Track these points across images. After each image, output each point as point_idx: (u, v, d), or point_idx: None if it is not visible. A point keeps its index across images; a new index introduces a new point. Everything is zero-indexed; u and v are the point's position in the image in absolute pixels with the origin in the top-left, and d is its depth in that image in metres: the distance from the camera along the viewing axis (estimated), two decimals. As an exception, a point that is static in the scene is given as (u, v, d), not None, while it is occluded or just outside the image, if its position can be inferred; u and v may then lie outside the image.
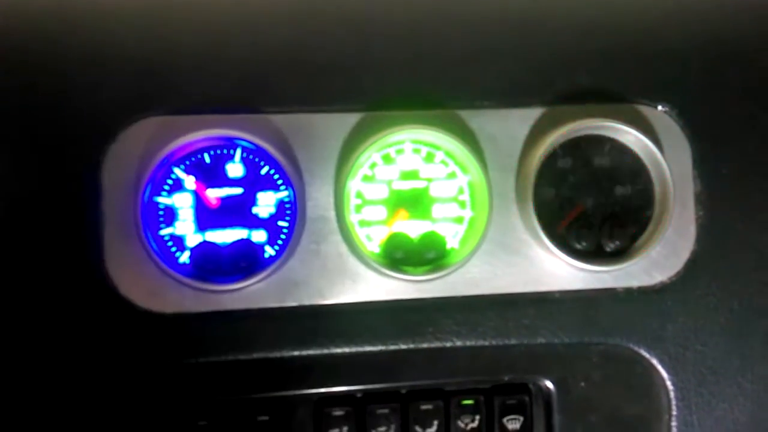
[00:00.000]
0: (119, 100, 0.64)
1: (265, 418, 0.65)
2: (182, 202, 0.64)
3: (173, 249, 0.64)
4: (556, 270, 0.68)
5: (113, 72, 0.64)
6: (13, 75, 0.63)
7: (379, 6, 0.69)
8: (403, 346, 0.66)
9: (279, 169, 0.65)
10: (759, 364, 0.70)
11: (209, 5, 0.67)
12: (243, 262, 0.64)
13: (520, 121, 0.69)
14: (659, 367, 0.69)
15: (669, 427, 0.69)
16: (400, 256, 0.66)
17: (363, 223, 0.68)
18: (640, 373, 0.69)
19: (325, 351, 0.65)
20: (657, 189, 0.69)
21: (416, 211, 0.68)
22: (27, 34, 0.64)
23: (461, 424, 0.67)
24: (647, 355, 0.69)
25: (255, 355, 0.64)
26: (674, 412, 0.69)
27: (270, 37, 0.67)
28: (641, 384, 0.69)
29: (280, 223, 0.66)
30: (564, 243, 0.68)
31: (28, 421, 0.62)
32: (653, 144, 0.67)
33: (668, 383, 0.69)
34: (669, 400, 0.69)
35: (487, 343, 0.67)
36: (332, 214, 0.66)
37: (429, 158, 0.68)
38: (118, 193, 0.62)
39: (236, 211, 0.65)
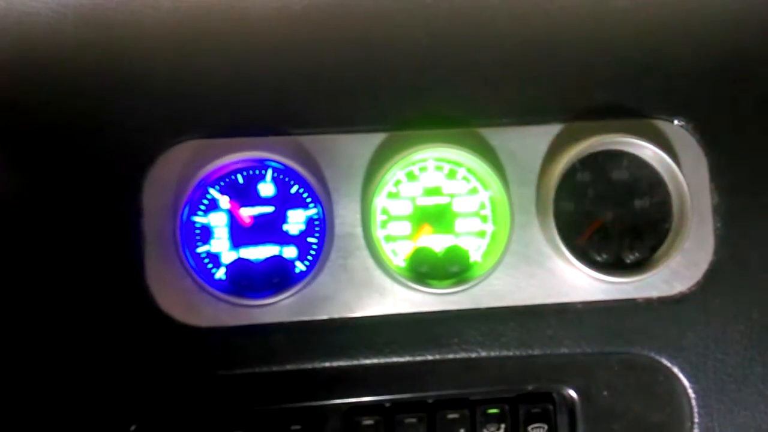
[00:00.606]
0: (157, 126, 0.67)
1: (298, 427, 0.67)
2: (217, 221, 0.68)
3: (209, 266, 0.67)
4: (578, 281, 0.70)
5: (151, 100, 0.67)
6: (58, 104, 0.67)
7: (402, 30, 0.72)
8: (430, 357, 0.68)
9: (308, 188, 0.68)
10: (780, 372, 0.71)
11: (240, 35, 0.70)
12: (275, 277, 0.66)
13: (539, 137, 0.71)
14: (680, 376, 0.70)
15: (691, 435, 0.70)
16: (425, 270, 0.68)
17: (389, 239, 0.70)
18: (662, 381, 0.70)
19: (355, 362, 0.67)
20: (675, 201, 0.70)
21: (440, 226, 0.70)
22: (70, 65, 0.68)
23: (486, 433, 0.69)
24: (668, 364, 0.70)
25: (287, 367, 0.67)
26: (696, 420, 0.70)
27: (297, 63, 0.70)
28: (663, 392, 0.70)
29: (310, 240, 0.68)
30: (584, 255, 0.69)
31: (70, 429, 0.65)
32: (670, 158, 0.69)
33: (689, 391, 0.70)
34: (690, 408, 0.70)
35: (511, 354, 0.69)
36: (359, 230, 0.68)
37: (451, 175, 0.71)
38: (158, 213, 0.66)
39: (268, 229, 0.68)
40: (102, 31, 0.69)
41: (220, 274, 0.67)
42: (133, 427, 0.65)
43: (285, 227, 0.68)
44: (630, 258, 0.69)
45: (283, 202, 0.68)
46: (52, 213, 0.66)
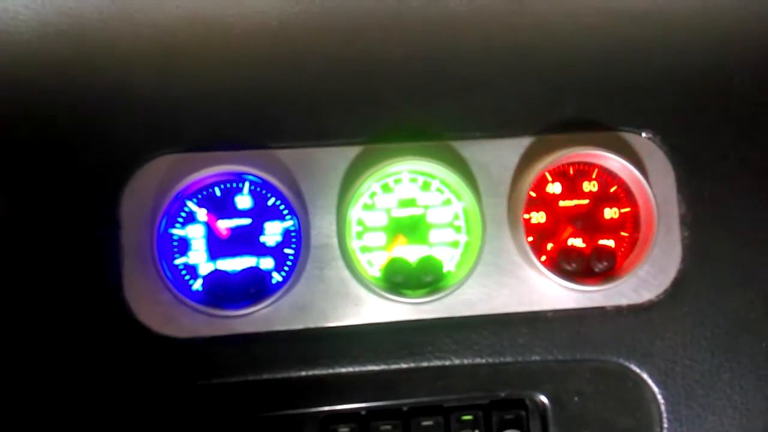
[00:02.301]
0: (136, 140, 0.68)
1: None
2: (195, 233, 0.69)
3: (187, 277, 0.68)
4: (548, 290, 0.71)
5: (130, 115, 0.69)
6: (38, 119, 0.68)
7: (377, 45, 0.74)
8: (404, 365, 0.69)
9: (284, 200, 0.69)
10: (746, 377, 0.73)
11: (217, 50, 0.71)
12: (252, 288, 0.67)
13: (510, 150, 0.73)
14: (649, 382, 0.71)
15: (660, 440, 0.72)
16: (400, 280, 0.70)
17: (364, 249, 0.71)
18: (631, 387, 0.72)
19: (330, 371, 0.68)
20: (642, 212, 0.72)
21: (414, 237, 0.72)
22: (50, 81, 0.69)
23: (461, 439, 0.70)
24: (638, 370, 0.71)
25: (264, 376, 0.68)
26: (665, 425, 0.71)
27: (274, 78, 0.71)
28: (632, 398, 0.72)
29: (286, 251, 0.70)
30: (555, 264, 0.71)
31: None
32: (638, 169, 0.70)
33: (659, 397, 0.71)
34: (660, 414, 0.71)
35: (483, 361, 0.70)
36: (335, 241, 0.69)
37: (425, 187, 0.72)
38: (136, 226, 0.67)
39: (245, 241, 0.69)
40: (82, 49, 0.70)
41: (197, 285, 0.68)
42: (110, 437, 0.66)
43: (262, 239, 0.69)
44: (599, 267, 0.71)
45: (260, 214, 0.70)
46: (30, 226, 0.67)
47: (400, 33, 0.74)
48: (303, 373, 0.68)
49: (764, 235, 0.74)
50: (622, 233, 0.73)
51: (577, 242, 0.73)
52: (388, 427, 0.69)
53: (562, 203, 0.73)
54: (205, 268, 0.68)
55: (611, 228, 0.73)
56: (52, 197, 0.67)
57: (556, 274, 0.69)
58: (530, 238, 0.71)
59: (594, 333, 0.71)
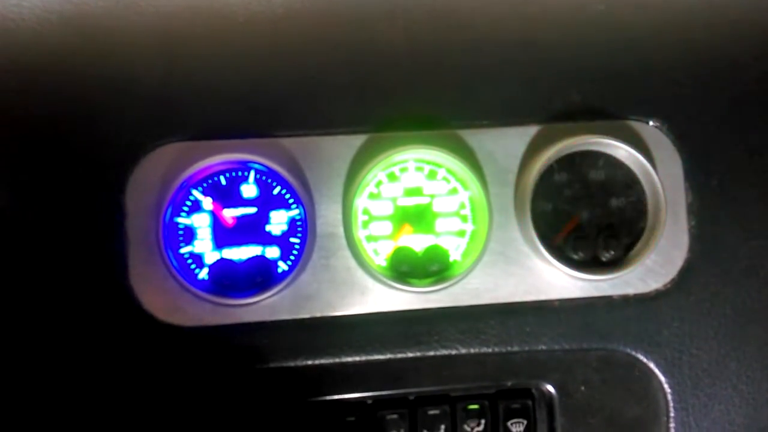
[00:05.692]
0: (141, 128, 0.68)
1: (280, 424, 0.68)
2: (200, 222, 0.68)
3: (192, 266, 0.68)
4: (555, 279, 0.71)
5: (135, 103, 0.68)
6: (43, 107, 0.68)
7: (382, 33, 0.73)
8: (410, 355, 0.69)
9: (290, 189, 0.69)
10: (753, 366, 0.72)
11: (222, 39, 0.71)
12: (258, 277, 0.67)
13: (517, 138, 0.72)
14: (656, 371, 0.71)
15: (667, 429, 0.71)
16: (406, 269, 0.70)
17: (370, 239, 0.71)
18: (638, 376, 0.72)
19: (336, 360, 0.68)
20: (650, 200, 0.72)
21: (420, 226, 0.71)
22: (55, 69, 0.69)
23: (467, 428, 0.69)
24: (644, 360, 0.71)
25: (269, 365, 0.68)
26: (672, 414, 0.71)
27: (279, 66, 0.71)
28: (639, 387, 0.72)
29: (292, 240, 0.69)
30: (562, 254, 0.71)
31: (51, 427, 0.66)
32: (645, 158, 0.70)
33: (665, 386, 0.71)
34: (666, 403, 0.71)
35: (490, 350, 0.70)
36: (341, 230, 0.69)
37: (431, 175, 0.72)
38: (141, 215, 0.67)
39: (251, 230, 0.69)
40: (87, 36, 0.70)
41: (203, 274, 0.68)
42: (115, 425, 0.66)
43: (267, 228, 0.69)
44: (606, 256, 0.71)
45: (266, 203, 0.69)
46: (36, 215, 0.66)
47: (406, 21, 0.74)
48: (309, 362, 0.68)
49: (772, 224, 0.74)
50: (629, 222, 0.73)
51: (584, 231, 0.72)
52: (395, 416, 0.69)
53: (568, 192, 0.73)
54: (211, 257, 0.68)
55: (618, 217, 0.73)
56: (57, 186, 0.67)
57: (562, 264, 0.68)
58: (537, 227, 0.71)
59: (601, 322, 0.71)
